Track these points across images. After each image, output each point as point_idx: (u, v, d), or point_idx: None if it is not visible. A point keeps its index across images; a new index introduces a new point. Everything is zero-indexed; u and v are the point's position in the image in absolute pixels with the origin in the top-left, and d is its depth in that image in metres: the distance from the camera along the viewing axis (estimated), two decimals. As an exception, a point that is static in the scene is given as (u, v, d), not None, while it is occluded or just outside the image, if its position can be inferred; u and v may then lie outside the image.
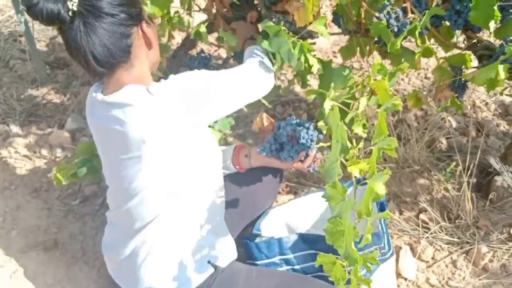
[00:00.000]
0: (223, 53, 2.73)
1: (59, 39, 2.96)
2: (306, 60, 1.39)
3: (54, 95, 2.52)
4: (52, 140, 2.25)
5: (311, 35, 1.61)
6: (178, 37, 2.70)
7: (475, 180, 1.92)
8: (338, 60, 2.77)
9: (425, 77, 2.66)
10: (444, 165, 2.03)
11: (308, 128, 1.42)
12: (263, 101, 1.61)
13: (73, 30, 1.14)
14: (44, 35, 3.01)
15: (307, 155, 1.47)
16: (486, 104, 2.49)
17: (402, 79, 2.65)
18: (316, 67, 1.40)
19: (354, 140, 1.12)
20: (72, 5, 1.11)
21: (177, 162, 1.23)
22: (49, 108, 2.46)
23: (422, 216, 1.84)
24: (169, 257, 1.32)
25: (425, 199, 1.90)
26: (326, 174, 1.04)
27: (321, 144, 1.37)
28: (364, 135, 1.12)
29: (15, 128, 2.33)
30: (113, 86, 1.23)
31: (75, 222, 1.96)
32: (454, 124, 2.30)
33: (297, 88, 2.54)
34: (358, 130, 1.11)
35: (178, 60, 1.99)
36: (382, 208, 1.57)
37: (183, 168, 1.25)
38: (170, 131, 1.19)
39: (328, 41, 2.93)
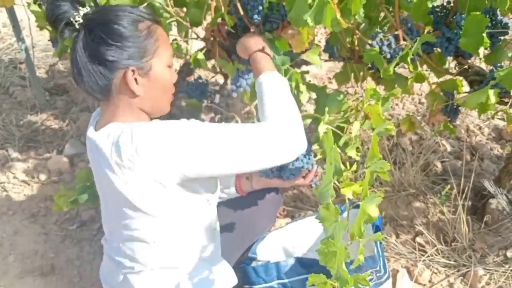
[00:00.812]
0: (220, 78, 2.78)
1: (59, 66, 3.01)
2: (297, 88, 1.41)
3: (53, 121, 2.55)
4: (51, 166, 2.27)
5: (306, 62, 1.65)
6: (176, 64, 2.74)
7: (470, 203, 1.93)
8: (334, 85, 2.82)
9: (419, 102, 2.70)
10: (439, 188, 2.05)
11: (304, 155, 1.43)
12: None
13: (73, 39, 1.17)
14: (44, 62, 3.06)
15: (308, 171, 1.47)
16: (480, 128, 2.52)
17: (397, 104, 2.69)
18: (305, 95, 1.42)
19: (347, 163, 1.14)
20: (76, 18, 1.14)
21: (164, 208, 1.20)
22: (48, 134, 2.49)
23: (418, 239, 1.85)
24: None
25: (421, 222, 1.91)
26: (320, 196, 1.05)
27: (318, 156, 1.38)
28: (358, 158, 1.14)
29: (14, 154, 2.35)
30: (103, 118, 1.22)
31: (73, 247, 1.96)
32: (449, 148, 2.33)
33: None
34: (352, 153, 1.13)
35: (176, 86, 2.02)
36: (377, 231, 1.58)
37: (172, 212, 1.23)
38: (146, 189, 1.15)
39: (323, 68, 2.99)
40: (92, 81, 1.16)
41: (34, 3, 2.12)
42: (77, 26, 1.15)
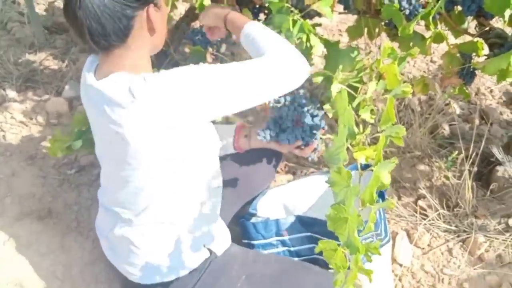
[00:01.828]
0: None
1: (59, 3, 2.89)
2: (308, 40, 1.33)
3: (52, 61, 2.47)
4: (49, 107, 2.21)
5: (319, 13, 1.56)
6: (181, 7, 2.63)
7: (476, 169, 1.90)
8: (344, 38, 2.72)
9: (431, 61, 2.62)
10: (446, 152, 2.01)
11: (314, 116, 1.37)
12: None
13: None
14: (45, -2, 2.94)
15: (307, 144, 1.42)
16: (491, 91, 2.46)
17: (408, 62, 2.60)
18: (318, 48, 1.35)
19: (360, 126, 1.09)
20: None
21: (171, 158, 1.18)
22: (47, 74, 2.41)
23: (420, 202, 1.83)
24: (163, 242, 1.29)
25: (424, 186, 1.89)
26: (331, 159, 1.01)
27: (327, 135, 1.33)
28: (372, 121, 1.09)
29: (11, 93, 2.28)
30: (105, 68, 1.17)
31: (71, 192, 1.93)
32: (458, 111, 2.27)
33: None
34: (366, 115, 1.08)
35: (180, 31, 1.94)
36: (381, 195, 1.55)
37: (177, 162, 1.20)
38: (158, 135, 1.12)
39: (334, 19, 2.87)
40: (111, 25, 1.10)
41: None
42: None
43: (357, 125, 1.06)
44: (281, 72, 1.20)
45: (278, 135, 1.43)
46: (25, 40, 2.56)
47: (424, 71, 2.55)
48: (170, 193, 1.25)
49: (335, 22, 2.87)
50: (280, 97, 1.41)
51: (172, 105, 1.10)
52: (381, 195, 1.60)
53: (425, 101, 2.30)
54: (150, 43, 1.20)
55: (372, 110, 1.11)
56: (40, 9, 2.87)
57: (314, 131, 1.40)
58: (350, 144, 1.00)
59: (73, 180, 1.98)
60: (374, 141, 1.78)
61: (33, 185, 1.94)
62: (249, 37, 1.28)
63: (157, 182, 1.22)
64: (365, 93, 1.15)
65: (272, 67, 1.19)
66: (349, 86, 1.24)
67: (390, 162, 0.95)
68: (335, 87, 1.15)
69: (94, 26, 1.09)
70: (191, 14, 2.05)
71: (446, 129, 2.14)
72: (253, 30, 1.28)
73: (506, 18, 1.35)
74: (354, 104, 1.15)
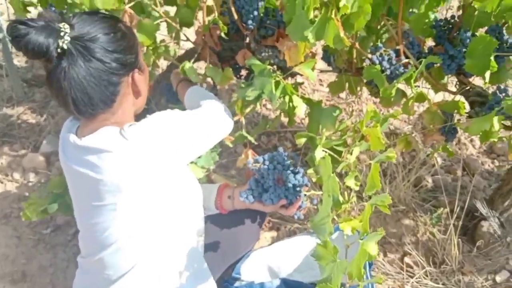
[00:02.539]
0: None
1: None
2: (291, 100, 1.33)
3: (30, 115, 2.42)
4: (26, 163, 2.15)
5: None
6: (164, 62, 2.63)
7: (461, 223, 1.88)
8: (325, 88, 2.74)
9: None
10: (430, 206, 1.99)
11: (296, 173, 1.35)
12: (249, 137, 1.55)
13: (58, 68, 1.06)
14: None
15: (291, 203, 1.39)
16: (471, 140, 2.48)
17: (388, 111, 2.62)
18: (301, 108, 1.34)
19: (345, 193, 1.07)
20: (63, 42, 1.03)
21: (154, 208, 1.16)
22: (24, 129, 2.36)
23: (407, 259, 1.79)
24: None
25: (410, 241, 1.86)
26: (317, 230, 0.98)
27: (312, 191, 1.30)
28: (357, 188, 1.07)
29: (-14, 149, 2.22)
30: (89, 128, 1.16)
31: (46, 253, 1.86)
32: (440, 162, 2.28)
33: (283, 117, 2.49)
34: (351, 183, 1.06)
35: (162, 86, 1.92)
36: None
37: (161, 213, 1.18)
38: (147, 177, 1.12)
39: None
40: (97, 94, 1.10)
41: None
42: (66, 47, 1.04)
43: (341, 192, 1.04)
44: (220, 117, 1.38)
45: (261, 195, 1.41)
46: (2, 94, 2.52)
47: (405, 121, 2.57)
48: (156, 251, 1.21)
49: (315, 72, 2.89)
50: (258, 156, 1.41)
51: (161, 143, 1.14)
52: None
53: (407, 153, 2.30)
54: (134, 105, 1.22)
55: (356, 176, 1.09)
56: (19, 61, 2.84)
57: (298, 189, 1.37)
58: (336, 214, 0.97)
59: (49, 240, 1.90)
60: (361, 207, 1.77)
61: (6, 246, 1.86)
62: (188, 98, 1.53)
63: (140, 239, 1.18)
64: (348, 158, 1.14)
65: (211, 113, 1.36)
66: (332, 149, 1.23)
67: (377, 233, 0.92)
68: (319, 152, 1.13)
69: (80, 96, 1.09)
70: (173, 69, 2.05)
71: (429, 182, 2.13)
72: (191, 92, 1.53)
73: (487, 79, 1.37)
74: (339, 169, 1.13)
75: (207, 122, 1.32)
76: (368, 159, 2.08)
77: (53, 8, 1.80)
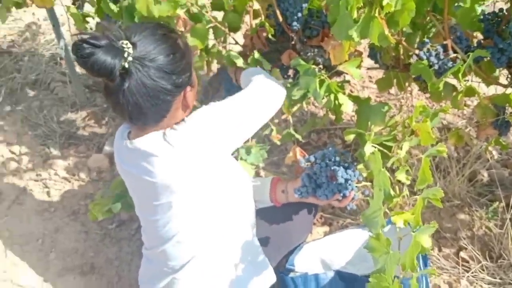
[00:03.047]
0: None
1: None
2: (336, 98, 1.37)
3: (93, 118, 2.58)
4: (91, 163, 2.30)
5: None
6: (214, 66, 2.73)
7: (517, 217, 1.85)
8: (374, 85, 2.73)
9: (465, 104, 2.59)
10: (486, 200, 1.96)
11: (347, 168, 1.38)
12: (297, 135, 1.60)
13: (117, 86, 1.09)
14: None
15: (344, 196, 1.43)
16: (529, 133, 2.41)
17: (441, 106, 2.59)
18: (347, 106, 1.37)
19: (396, 187, 1.10)
20: (126, 61, 1.07)
21: (206, 203, 1.24)
22: (88, 131, 2.52)
23: (462, 253, 1.79)
24: None
25: (465, 236, 1.85)
26: (369, 223, 1.02)
27: (363, 183, 1.33)
28: (408, 182, 1.09)
29: (55, 151, 2.39)
30: (139, 132, 1.23)
31: (112, 247, 1.99)
32: (496, 156, 2.23)
33: (331, 114, 2.52)
34: (402, 177, 1.09)
35: (213, 88, 2.00)
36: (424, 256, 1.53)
37: (213, 207, 1.26)
38: (196, 177, 1.20)
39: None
40: (151, 111, 1.16)
41: (73, 4, 2.13)
42: (127, 66, 1.08)
43: (393, 186, 1.07)
44: (266, 92, 1.39)
45: (315, 190, 1.46)
46: (67, 99, 2.69)
47: (458, 115, 2.53)
48: (213, 242, 1.29)
49: (363, 69, 2.89)
50: (310, 155, 1.46)
51: (204, 143, 1.20)
52: (424, 257, 1.58)
53: (461, 147, 2.27)
54: (182, 117, 1.26)
55: (407, 171, 1.12)
56: (81, 68, 3.01)
57: (350, 182, 1.40)
58: (387, 208, 1.00)
59: (114, 234, 2.03)
60: (414, 201, 1.77)
61: (76, 241, 2.01)
62: (243, 78, 1.54)
63: (198, 233, 1.27)
64: (399, 153, 1.16)
65: (257, 91, 1.38)
66: (382, 144, 1.26)
67: (430, 226, 0.95)
68: (369, 148, 1.17)
69: (135, 112, 1.14)
70: (223, 73, 2.13)
71: (485, 176, 2.10)
72: (246, 73, 1.53)
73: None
74: (389, 164, 1.16)
75: (253, 98, 1.35)
76: (419, 154, 2.08)
77: (110, 19, 1.92)
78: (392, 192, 1.02)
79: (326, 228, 1.96)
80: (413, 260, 0.91)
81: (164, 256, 1.31)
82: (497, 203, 1.85)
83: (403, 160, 1.14)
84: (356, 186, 1.41)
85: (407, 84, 1.76)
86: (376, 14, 1.16)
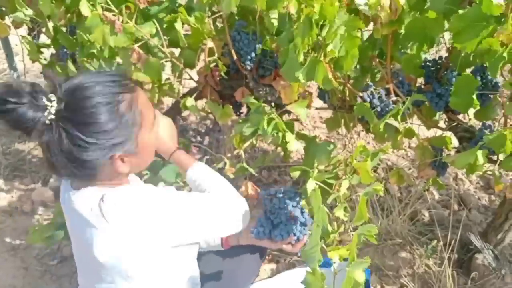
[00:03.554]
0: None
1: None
2: (284, 137, 1.40)
3: (40, 150, 2.51)
4: (35, 197, 2.24)
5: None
6: (168, 100, 2.75)
7: (456, 256, 1.92)
8: (323, 125, 2.81)
9: (409, 147, 2.71)
10: (426, 239, 2.03)
11: (302, 211, 1.37)
12: (250, 169, 1.62)
13: (41, 139, 1.05)
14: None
15: (298, 239, 1.41)
16: (468, 176, 2.53)
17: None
18: (293, 144, 1.41)
19: (335, 223, 1.13)
20: (47, 117, 1.02)
21: (145, 274, 1.18)
22: (35, 164, 2.46)
23: (403, 291, 1.83)
24: None
25: (406, 273, 1.90)
26: (307, 259, 1.04)
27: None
28: (346, 219, 1.13)
29: (-2, 182, 2.31)
30: (79, 183, 1.17)
31: (52, 284, 1.91)
32: (436, 196, 2.33)
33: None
34: (340, 213, 1.13)
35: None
36: (366, 285, 1.56)
37: (153, 276, 1.20)
38: (130, 257, 1.13)
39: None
40: (76, 172, 1.09)
41: (29, 34, 2.12)
42: (48, 122, 1.02)
43: (331, 222, 1.11)
44: (225, 208, 1.30)
45: (271, 232, 1.42)
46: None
47: (403, 157, 2.64)
48: None
49: (317, 111, 2.99)
50: (270, 189, 1.44)
51: (141, 226, 1.11)
52: (367, 286, 1.60)
53: (404, 187, 2.36)
54: (122, 174, 1.17)
55: (345, 208, 1.15)
56: (32, 99, 2.96)
57: (305, 227, 1.39)
58: (324, 243, 1.03)
59: (55, 271, 1.96)
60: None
61: (14, 277, 1.92)
62: (194, 181, 1.38)
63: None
64: (339, 190, 1.20)
65: (218, 203, 1.30)
66: (325, 182, 1.30)
67: (363, 261, 0.98)
68: (311, 185, 1.20)
69: (62, 171, 1.10)
70: (177, 107, 2.15)
71: (426, 216, 2.18)
72: (196, 174, 1.38)
73: (471, 116, 1.45)
74: (329, 200, 1.20)
75: (207, 213, 1.26)
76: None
77: (65, 50, 1.92)
78: (330, 228, 1.05)
79: (273, 266, 1.97)
80: (346, 296, 0.94)
81: None
82: (435, 241, 1.91)
83: (343, 197, 1.18)
84: (309, 231, 1.40)
85: (352, 124, 1.83)
86: (322, 59, 1.23)
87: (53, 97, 1.03)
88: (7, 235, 2.08)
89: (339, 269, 1.02)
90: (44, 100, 1.02)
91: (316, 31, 1.15)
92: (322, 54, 1.21)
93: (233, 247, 1.53)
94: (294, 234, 1.38)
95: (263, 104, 1.41)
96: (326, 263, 1.27)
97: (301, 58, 1.18)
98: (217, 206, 1.29)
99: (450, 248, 1.83)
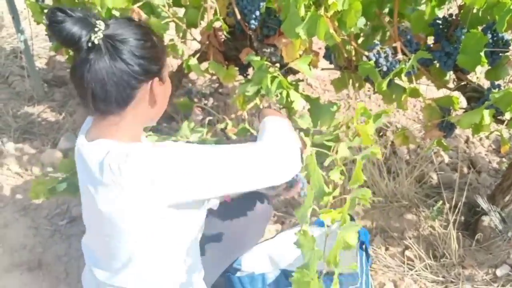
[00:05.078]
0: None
1: (59, 57, 2.99)
2: (288, 95, 1.38)
3: (50, 113, 2.54)
4: (44, 159, 2.26)
5: (300, 69, 1.62)
6: (174, 62, 2.73)
7: (463, 218, 1.90)
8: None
9: (420, 109, 2.66)
10: (433, 201, 2.02)
11: None
12: (252, 130, 1.61)
13: (85, 61, 1.09)
14: (45, 52, 3.03)
15: (291, 185, 1.44)
16: (480, 139, 2.48)
17: (398, 111, 2.65)
18: (298, 103, 1.39)
19: (331, 186, 1.11)
20: (96, 37, 1.07)
21: (149, 235, 1.18)
22: (44, 126, 2.48)
23: (407, 252, 1.83)
24: None
25: (411, 235, 1.89)
26: (301, 218, 1.03)
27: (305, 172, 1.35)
28: (341, 182, 1.11)
29: (9, 145, 2.34)
30: (96, 131, 1.18)
31: (61, 243, 1.96)
32: (446, 159, 2.29)
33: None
34: (335, 176, 1.11)
35: (173, 86, 2.00)
36: (366, 249, 1.56)
37: (158, 234, 1.20)
38: (138, 213, 1.13)
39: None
40: (114, 92, 1.11)
41: (32, -5, 2.09)
42: (96, 43, 1.07)
43: (327, 185, 1.09)
44: (270, 165, 1.18)
45: None
46: (24, 93, 2.64)
47: (414, 120, 2.59)
48: (151, 259, 1.23)
49: (327, 73, 2.94)
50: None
51: (155, 187, 1.09)
52: (365, 249, 1.61)
53: (413, 150, 2.33)
54: (147, 115, 1.21)
55: (342, 171, 1.14)
56: (41, 63, 2.97)
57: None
58: (318, 205, 1.02)
59: (64, 231, 2.00)
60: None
61: (25, 236, 1.97)
62: (262, 125, 1.32)
63: (136, 250, 1.21)
64: (337, 153, 1.18)
65: (261, 156, 1.18)
66: (323, 144, 1.28)
67: (355, 225, 0.97)
68: (307, 150, 1.19)
69: (99, 90, 1.11)
70: (183, 69, 2.13)
71: (434, 178, 2.16)
72: (269, 119, 1.32)
73: (478, 74, 1.40)
74: (326, 163, 1.18)
75: (245, 164, 1.16)
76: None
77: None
78: (326, 189, 1.04)
79: (278, 227, 1.98)
80: (337, 257, 0.93)
81: (100, 265, 1.28)
82: (440, 202, 1.90)
83: (339, 160, 1.16)
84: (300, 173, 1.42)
85: (358, 84, 1.80)
86: (322, 13, 1.19)
87: (101, 22, 1.09)
88: (18, 196, 2.12)
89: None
90: (94, 20, 1.07)
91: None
92: (323, 9, 1.17)
93: (238, 205, 1.53)
94: (286, 182, 1.38)
95: (266, 62, 1.38)
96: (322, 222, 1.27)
97: (302, 12, 1.14)
98: (256, 157, 1.18)
99: (457, 211, 1.82)
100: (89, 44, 1.07)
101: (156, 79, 1.16)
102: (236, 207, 1.54)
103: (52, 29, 1.05)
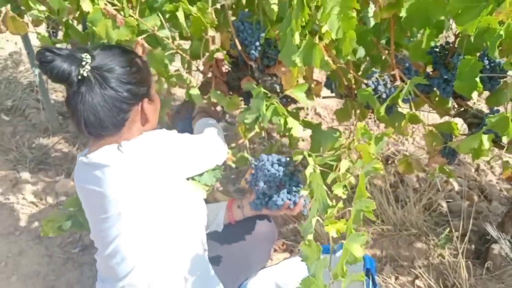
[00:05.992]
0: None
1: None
2: (286, 122, 1.42)
3: (64, 144, 2.62)
4: (58, 188, 2.32)
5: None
6: (180, 92, 2.82)
7: (473, 246, 1.88)
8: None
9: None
10: (442, 230, 2.00)
11: (293, 175, 1.45)
12: (250, 157, 1.64)
13: (77, 93, 1.19)
14: (59, 86, 3.14)
15: (295, 203, 1.48)
16: (491, 167, 2.48)
17: (407, 139, 2.66)
18: (297, 129, 1.42)
19: (334, 201, 1.13)
20: (84, 70, 1.17)
21: (154, 216, 1.27)
22: (59, 157, 2.55)
23: (418, 282, 1.81)
24: None
25: (421, 264, 1.87)
26: (304, 232, 1.05)
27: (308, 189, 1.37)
28: (344, 196, 1.14)
29: (24, 175, 2.41)
30: (95, 148, 1.27)
31: (74, 270, 1.99)
32: (456, 187, 2.29)
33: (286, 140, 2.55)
34: (338, 191, 1.13)
35: (181, 115, 2.05)
36: (372, 279, 1.56)
37: (161, 222, 1.28)
38: (143, 188, 1.24)
39: (334, 100, 2.98)
40: (109, 119, 1.23)
41: (47, 31, 2.20)
42: (85, 75, 1.18)
43: (330, 199, 1.11)
44: (212, 143, 1.52)
45: (267, 203, 1.49)
46: (40, 125, 2.74)
47: (423, 148, 2.60)
48: (157, 256, 1.30)
49: (335, 102, 2.98)
50: (263, 155, 1.51)
51: (155, 158, 1.26)
52: (372, 277, 1.60)
53: (423, 178, 2.33)
54: (141, 130, 1.33)
55: (345, 186, 1.16)
56: (56, 96, 3.08)
57: (298, 189, 1.46)
58: (322, 218, 1.04)
59: (77, 259, 2.03)
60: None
61: (38, 264, 2.00)
62: (197, 125, 1.68)
63: (142, 246, 1.28)
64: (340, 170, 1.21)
65: (207, 139, 1.51)
66: (326, 164, 1.31)
67: (361, 235, 0.98)
68: (309, 169, 1.21)
69: (92, 119, 1.21)
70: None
71: (443, 206, 2.15)
72: (201, 122, 1.68)
73: (475, 99, 1.42)
74: (328, 180, 1.21)
75: (201, 146, 1.46)
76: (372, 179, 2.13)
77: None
78: (329, 202, 1.06)
79: (287, 255, 1.98)
80: (343, 267, 0.94)
81: (112, 273, 1.32)
82: (447, 229, 1.88)
83: (342, 176, 1.18)
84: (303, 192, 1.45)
85: (359, 112, 1.82)
86: (317, 41, 1.24)
87: (87, 55, 1.19)
88: (32, 225, 2.17)
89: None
90: (80, 54, 1.18)
91: (308, 11, 1.16)
92: (318, 37, 1.22)
93: (244, 228, 1.57)
94: (289, 200, 1.46)
95: (263, 90, 1.43)
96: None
97: (297, 40, 1.20)
98: (206, 141, 1.50)
99: (467, 239, 1.80)
100: (79, 77, 1.17)
101: (146, 99, 1.30)
102: (240, 228, 1.57)
103: (43, 69, 1.16)
